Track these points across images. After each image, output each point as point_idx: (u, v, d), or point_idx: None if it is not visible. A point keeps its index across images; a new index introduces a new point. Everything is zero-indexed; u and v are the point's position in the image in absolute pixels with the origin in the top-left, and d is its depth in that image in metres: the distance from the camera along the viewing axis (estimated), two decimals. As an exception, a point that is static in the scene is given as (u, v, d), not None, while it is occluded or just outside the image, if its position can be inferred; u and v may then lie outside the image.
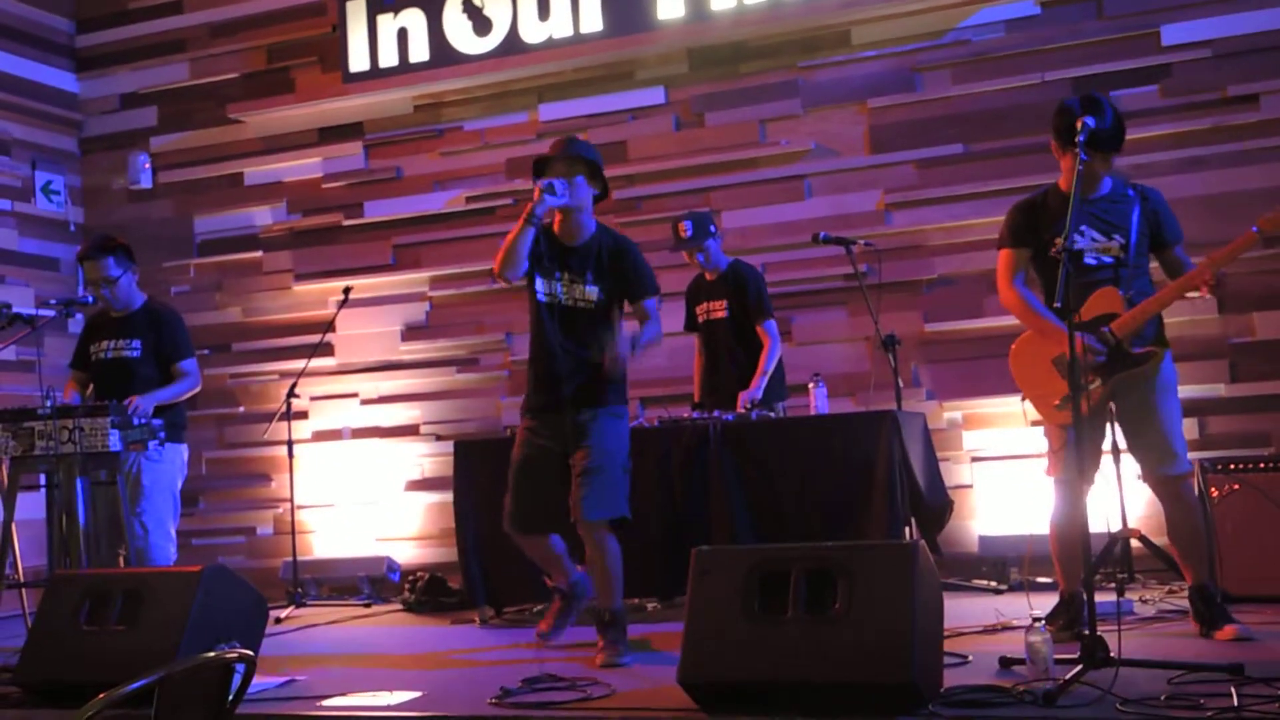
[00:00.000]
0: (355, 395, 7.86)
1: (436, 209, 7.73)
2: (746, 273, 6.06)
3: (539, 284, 4.47)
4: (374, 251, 7.85)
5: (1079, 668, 3.39)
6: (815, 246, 6.15)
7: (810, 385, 5.78)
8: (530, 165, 4.58)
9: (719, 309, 6.04)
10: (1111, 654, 3.42)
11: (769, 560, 3.45)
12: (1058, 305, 3.65)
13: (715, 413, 5.59)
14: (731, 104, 7.16)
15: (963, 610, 5.03)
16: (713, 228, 6.02)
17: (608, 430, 4.43)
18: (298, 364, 7.35)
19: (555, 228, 4.51)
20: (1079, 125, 4.09)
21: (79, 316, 7.44)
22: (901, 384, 6.04)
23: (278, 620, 6.16)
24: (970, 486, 6.54)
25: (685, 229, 5.96)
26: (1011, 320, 6.19)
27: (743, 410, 5.67)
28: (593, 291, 4.44)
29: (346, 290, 7.18)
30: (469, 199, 7.64)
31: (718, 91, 7.20)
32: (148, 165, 8.37)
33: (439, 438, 7.58)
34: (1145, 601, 5.06)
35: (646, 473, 5.50)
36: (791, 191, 7.00)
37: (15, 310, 5.70)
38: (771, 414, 5.62)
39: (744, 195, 7.05)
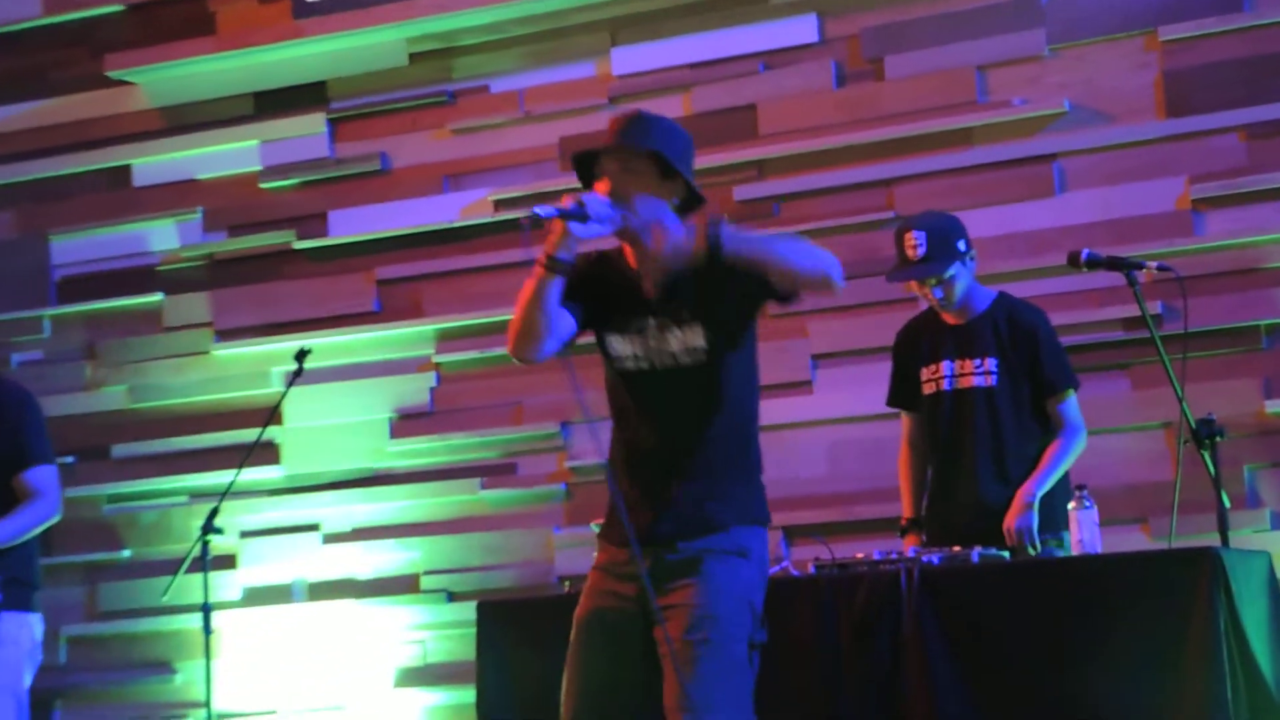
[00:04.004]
0: (315, 528, 7.92)
1: (448, 220, 7.82)
2: (1030, 316, 5.96)
3: (615, 346, 4.46)
4: (346, 291, 7.93)
5: None
6: (1075, 273, 6.10)
7: (1071, 505, 5.67)
8: (587, 157, 4.45)
9: (976, 371, 5.94)
10: None
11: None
12: None
13: (931, 556, 5.48)
14: (927, 40, 7.17)
15: None
16: (962, 244, 5.88)
17: (723, 580, 4.30)
18: (221, 478, 7.38)
19: (628, 257, 4.45)
20: None
21: None
22: (1229, 502, 5.89)
23: None
24: (1350, 673, 6.38)
25: (916, 244, 5.81)
26: None
27: (1016, 531, 5.70)
28: (697, 336, 4.33)
29: (301, 355, 7.17)
30: (498, 203, 7.71)
31: (904, 21, 7.21)
32: (-25, 158, 8.55)
33: (452, 596, 7.61)
34: None
35: (798, 645, 5.44)
36: (1034, 183, 6.99)
37: None
38: (1059, 550, 5.67)
39: (951, 190, 7.02)
